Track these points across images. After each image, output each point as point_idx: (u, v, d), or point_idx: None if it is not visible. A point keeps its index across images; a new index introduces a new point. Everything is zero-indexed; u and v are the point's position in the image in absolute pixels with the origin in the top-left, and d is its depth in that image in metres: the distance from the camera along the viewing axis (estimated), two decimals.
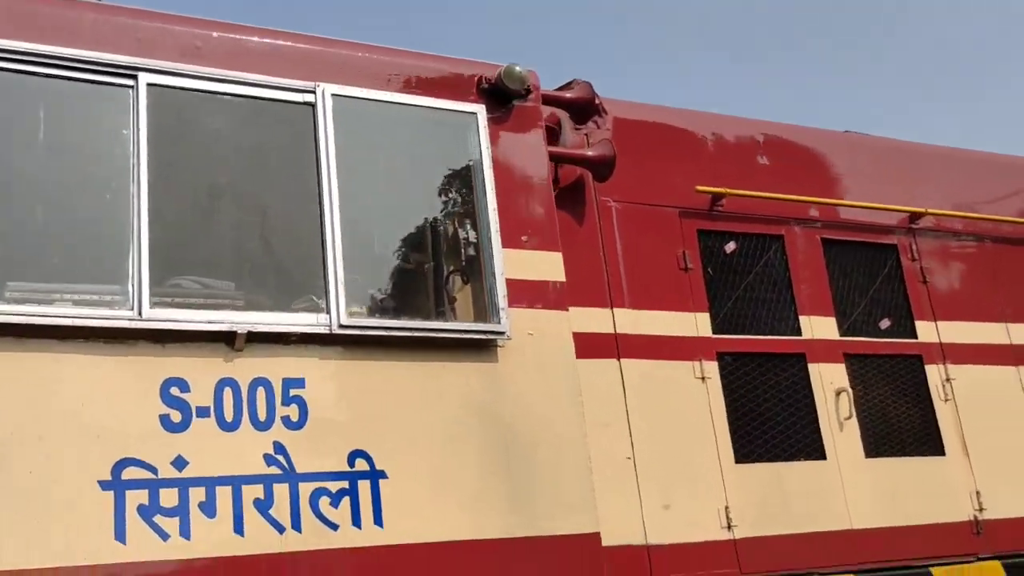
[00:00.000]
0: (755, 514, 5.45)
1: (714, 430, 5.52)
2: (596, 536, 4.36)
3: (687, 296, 5.75)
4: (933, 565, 5.50)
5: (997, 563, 5.65)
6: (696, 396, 5.56)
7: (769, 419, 5.72)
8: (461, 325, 4.41)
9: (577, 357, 5.20)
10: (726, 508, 5.37)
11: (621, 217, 5.74)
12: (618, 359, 5.41)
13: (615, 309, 5.51)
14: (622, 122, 5.95)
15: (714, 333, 5.74)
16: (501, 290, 4.47)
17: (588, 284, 5.48)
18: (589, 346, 5.34)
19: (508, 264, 4.57)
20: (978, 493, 6.11)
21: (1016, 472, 6.30)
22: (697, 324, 5.72)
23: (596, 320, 5.43)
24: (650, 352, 5.52)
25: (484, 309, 4.52)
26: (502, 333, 4.42)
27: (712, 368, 5.65)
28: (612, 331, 5.46)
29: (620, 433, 5.27)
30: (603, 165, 5.53)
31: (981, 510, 6.07)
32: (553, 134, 5.72)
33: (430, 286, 4.81)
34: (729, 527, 5.35)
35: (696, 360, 5.61)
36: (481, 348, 4.42)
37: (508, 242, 4.62)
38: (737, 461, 5.51)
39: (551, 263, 4.74)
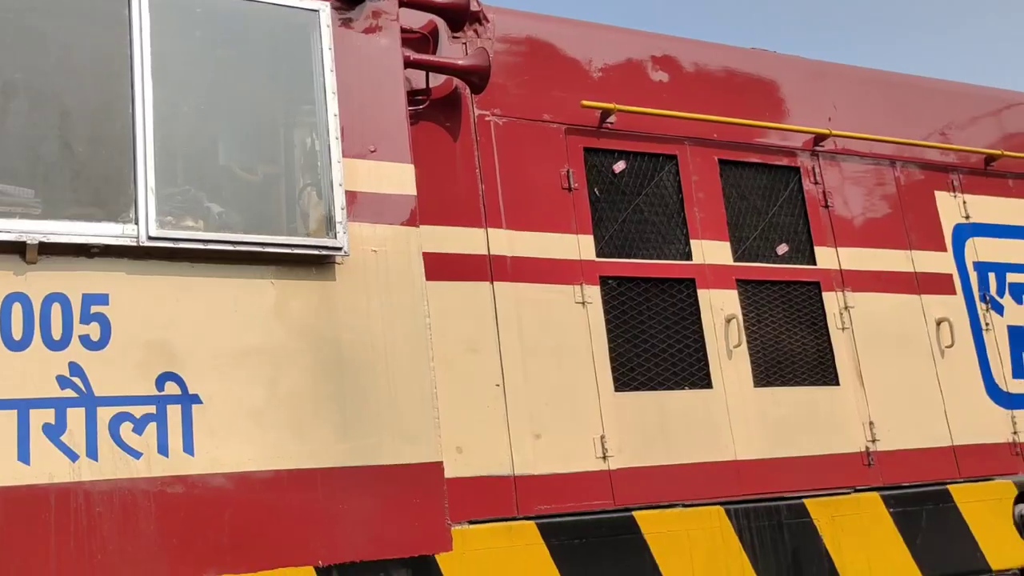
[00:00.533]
0: (634, 444, 5.22)
1: (593, 357, 5.26)
2: (437, 466, 4.09)
3: (570, 217, 5.45)
4: (807, 497, 5.30)
5: (875, 495, 5.45)
6: (575, 321, 5.29)
7: (653, 346, 5.47)
8: (290, 239, 4.04)
9: (446, 279, 4.95)
10: (602, 438, 5.14)
11: (501, 132, 5.41)
12: (491, 282, 5.12)
13: (490, 229, 5.20)
14: (508, 32, 5.60)
15: (598, 256, 5.45)
16: (340, 202, 4.12)
17: (461, 202, 5.18)
18: (459, 268, 5.05)
19: (351, 175, 4.22)
20: (872, 424, 5.92)
21: (913, 402, 6.11)
22: (580, 247, 5.42)
23: (468, 240, 5.13)
24: (526, 275, 5.23)
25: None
26: (339, 249, 4.08)
27: (594, 292, 5.37)
28: (486, 252, 5.15)
29: (490, 359, 5.00)
30: (475, 75, 5.17)
31: (874, 441, 5.89)
32: (426, 42, 5.35)
33: (280, 200, 4.46)
34: (604, 457, 5.13)
35: (577, 284, 5.34)
36: (317, 265, 4.08)
37: (351, 151, 4.27)
38: (617, 389, 5.27)
39: (401, 176, 4.39)
